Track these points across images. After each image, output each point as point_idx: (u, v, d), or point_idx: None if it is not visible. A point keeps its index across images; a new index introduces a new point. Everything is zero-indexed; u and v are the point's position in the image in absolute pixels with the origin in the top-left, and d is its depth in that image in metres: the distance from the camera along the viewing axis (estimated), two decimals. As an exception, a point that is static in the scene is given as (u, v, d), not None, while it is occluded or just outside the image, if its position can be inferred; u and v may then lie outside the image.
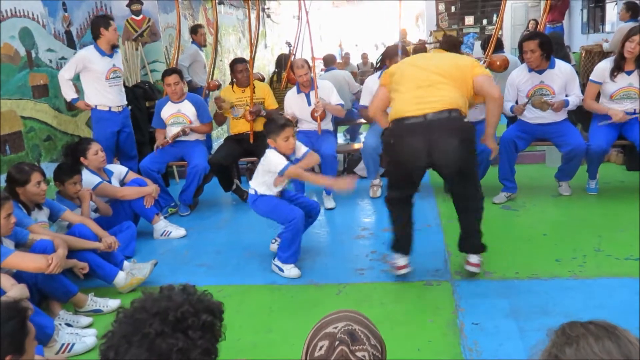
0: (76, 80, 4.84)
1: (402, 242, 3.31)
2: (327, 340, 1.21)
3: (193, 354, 1.15)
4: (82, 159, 4.09)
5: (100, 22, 4.75)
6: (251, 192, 3.66)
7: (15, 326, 1.62)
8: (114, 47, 4.84)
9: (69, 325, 2.95)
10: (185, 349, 1.14)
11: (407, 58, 3.40)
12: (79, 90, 4.88)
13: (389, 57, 5.02)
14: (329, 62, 7.81)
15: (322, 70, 8.58)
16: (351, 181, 3.38)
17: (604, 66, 4.42)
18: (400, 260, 3.31)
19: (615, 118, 4.30)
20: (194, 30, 6.99)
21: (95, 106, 4.83)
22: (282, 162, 3.45)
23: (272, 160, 3.49)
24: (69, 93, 4.76)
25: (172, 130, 4.88)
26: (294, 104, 5.04)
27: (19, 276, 2.80)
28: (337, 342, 1.19)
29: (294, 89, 5.09)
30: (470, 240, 3.25)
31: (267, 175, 3.56)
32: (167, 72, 4.88)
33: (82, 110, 5.08)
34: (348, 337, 1.19)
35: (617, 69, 4.32)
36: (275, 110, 5.21)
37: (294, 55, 6.67)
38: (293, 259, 3.54)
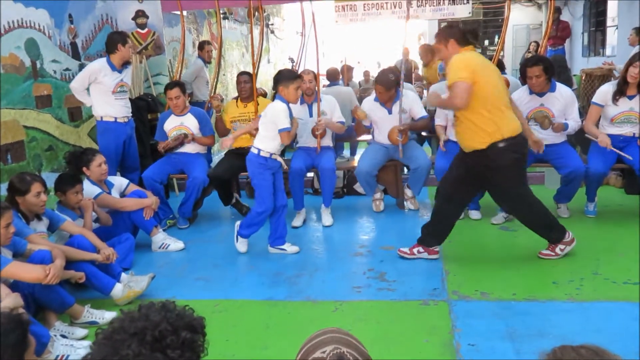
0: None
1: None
2: None
3: None
4: (84, 169, 4.11)
5: (118, 38, 4.83)
6: (254, 150, 3.97)
7: (17, 338, 1.61)
8: (125, 64, 4.90)
9: (64, 336, 2.93)
10: None
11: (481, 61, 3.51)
12: None
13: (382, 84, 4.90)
14: (333, 77, 7.80)
15: (324, 86, 8.62)
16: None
17: (607, 89, 4.46)
18: None
19: (601, 144, 4.36)
20: (201, 46, 7.06)
21: (101, 117, 4.88)
22: (286, 121, 3.83)
23: (279, 111, 3.84)
24: (86, 99, 4.88)
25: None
26: (296, 115, 5.02)
27: (15, 286, 2.80)
28: None
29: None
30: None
31: (269, 128, 3.88)
32: (169, 86, 4.93)
33: (84, 120, 5.11)
34: None
35: (620, 92, 4.36)
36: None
37: (297, 71, 6.71)
38: (244, 236, 4.16)
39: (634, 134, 4.38)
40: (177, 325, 1.18)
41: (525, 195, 3.63)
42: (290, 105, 5.09)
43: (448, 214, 3.79)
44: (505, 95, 3.54)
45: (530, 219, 3.72)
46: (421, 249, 3.87)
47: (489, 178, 3.58)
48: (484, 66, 3.46)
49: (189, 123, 4.94)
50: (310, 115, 4.95)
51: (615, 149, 4.35)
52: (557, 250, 3.73)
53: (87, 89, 4.86)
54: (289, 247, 4.19)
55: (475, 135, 3.43)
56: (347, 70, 9.56)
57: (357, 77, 13.00)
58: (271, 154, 3.94)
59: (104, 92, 4.80)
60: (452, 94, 3.37)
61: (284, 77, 3.94)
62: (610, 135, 4.41)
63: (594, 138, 4.46)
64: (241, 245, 4.20)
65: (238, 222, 4.20)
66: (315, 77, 4.97)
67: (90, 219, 3.84)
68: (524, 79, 4.55)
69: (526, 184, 3.67)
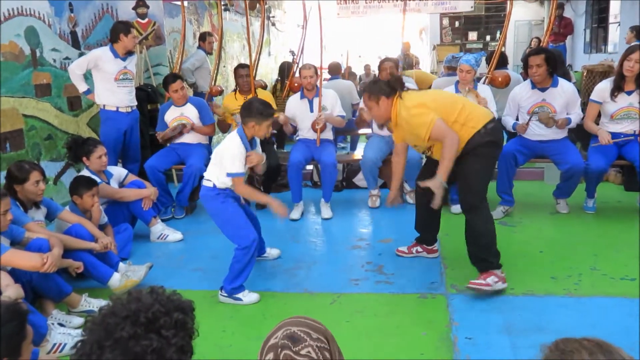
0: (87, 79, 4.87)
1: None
2: (271, 352, 1.22)
3: (168, 353, 1.13)
4: (84, 158, 4.09)
5: (121, 28, 4.83)
6: (207, 184, 3.28)
7: (14, 329, 1.60)
8: (128, 53, 4.89)
9: (61, 325, 2.93)
10: (159, 348, 1.12)
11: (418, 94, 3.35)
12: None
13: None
14: (334, 71, 7.78)
15: (325, 79, 8.60)
16: (283, 210, 3.28)
17: (604, 86, 4.44)
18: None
19: (602, 141, 4.34)
20: (202, 37, 7.04)
21: (104, 106, 4.88)
22: (238, 166, 3.19)
23: (232, 154, 3.17)
24: (81, 85, 4.84)
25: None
26: (297, 109, 5.03)
27: (13, 274, 2.79)
28: (279, 350, 1.20)
29: (297, 94, 5.10)
30: None
31: (219, 162, 3.24)
32: (171, 80, 4.89)
33: (83, 110, 5.10)
34: (288, 341, 1.21)
35: (617, 89, 4.34)
36: (274, 119, 5.21)
37: (297, 63, 6.69)
38: (243, 287, 3.26)
39: (634, 131, 4.37)
40: (168, 307, 1.19)
41: (486, 205, 3.31)
42: (292, 100, 5.09)
43: (430, 207, 3.47)
44: (453, 97, 3.44)
45: (481, 235, 3.27)
46: (419, 249, 3.84)
47: (461, 165, 3.22)
48: (422, 93, 3.41)
49: (189, 113, 4.95)
50: (311, 110, 4.95)
51: (612, 141, 4.34)
52: (489, 280, 3.17)
53: (86, 76, 4.85)
54: (270, 252, 3.91)
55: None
56: (348, 70, 9.65)
57: (358, 71, 12.98)
58: (227, 187, 3.28)
59: (106, 80, 4.80)
60: (443, 138, 3.10)
61: (258, 113, 3.21)
62: (611, 133, 4.40)
63: (595, 133, 4.45)
64: (247, 296, 3.24)
65: (220, 291, 3.27)
66: (316, 71, 4.96)
67: (98, 221, 3.81)
68: (526, 70, 4.53)
69: (486, 190, 3.33)
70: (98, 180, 4.08)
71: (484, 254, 3.26)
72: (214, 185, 3.28)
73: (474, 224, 3.28)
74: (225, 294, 3.25)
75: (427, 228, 3.79)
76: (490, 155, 3.26)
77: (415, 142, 3.42)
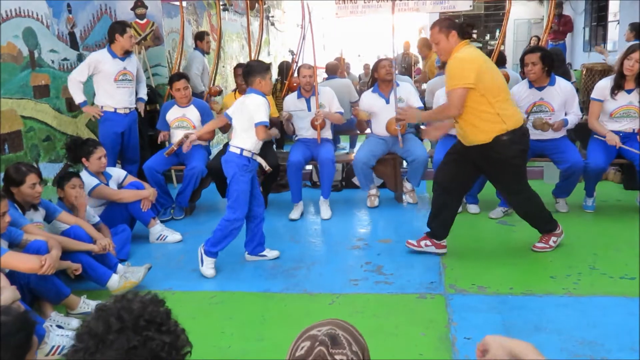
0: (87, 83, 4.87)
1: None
2: (309, 341, 1.22)
3: (179, 343, 1.16)
4: (84, 159, 4.09)
5: (117, 28, 4.84)
6: (234, 150, 3.61)
7: (21, 339, 1.58)
8: (127, 53, 4.88)
9: (60, 327, 2.92)
10: (171, 342, 1.14)
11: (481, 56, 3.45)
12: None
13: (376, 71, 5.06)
14: (332, 71, 7.76)
15: (324, 79, 8.58)
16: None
17: (605, 84, 4.44)
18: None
19: (610, 143, 4.32)
20: (200, 36, 7.02)
21: (102, 107, 4.88)
22: (265, 115, 3.54)
23: (259, 105, 3.52)
24: (78, 95, 4.80)
25: (175, 134, 4.93)
26: (294, 108, 5.03)
27: (11, 276, 2.79)
28: (317, 343, 1.20)
29: (294, 93, 5.10)
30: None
31: (248, 124, 3.57)
32: (176, 78, 4.91)
33: (82, 111, 5.09)
34: (329, 340, 1.20)
35: (618, 87, 4.34)
36: (276, 119, 5.22)
37: (297, 63, 6.69)
38: (217, 254, 3.66)
39: (633, 129, 4.36)
40: (152, 304, 1.20)
41: (526, 188, 3.65)
42: (289, 99, 5.11)
43: (448, 204, 3.75)
44: (506, 87, 3.52)
45: (529, 211, 3.75)
46: (429, 242, 3.82)
47: (492, 170, 3.59)
48: (485, 60, 3.45)
49: (191, 115, 4.95)
50: (309, 109, 4.95)
51: (623, 146, 4.32)
52: (551, 242, 3.80)
53: (84, 85, 4.84)
54: (269, 253, 3.93)
55: (478, 131, 3.40)
56: (343, 63, 9.57)
57: (357, 70, 12.97)
58: (253, 154, 3.64)
59: (105, 80, 4.80)
60: (449, 102, 3.40)
61: (259, 69, 3.65)
62: (611, 132, 4.38)
63: (601, 135, 4.42)
64: (208, 268, 3.62)
65: (202, 245, 3.68)
66: (315, 72, 4.96)
67: (84, 215, 3.80)
68: (523, 69, 4.53)
69: (526, 176, 3.68)
70: (97, 181, 4.08)
71: (538, 223, 3.78)
72: (241, 152, 3.59)
73: (518, 206, 3.79)
74: (203, 252, 3.63)
75: (440, 218, 3.75)
76: (522, 163, 3.63)
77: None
